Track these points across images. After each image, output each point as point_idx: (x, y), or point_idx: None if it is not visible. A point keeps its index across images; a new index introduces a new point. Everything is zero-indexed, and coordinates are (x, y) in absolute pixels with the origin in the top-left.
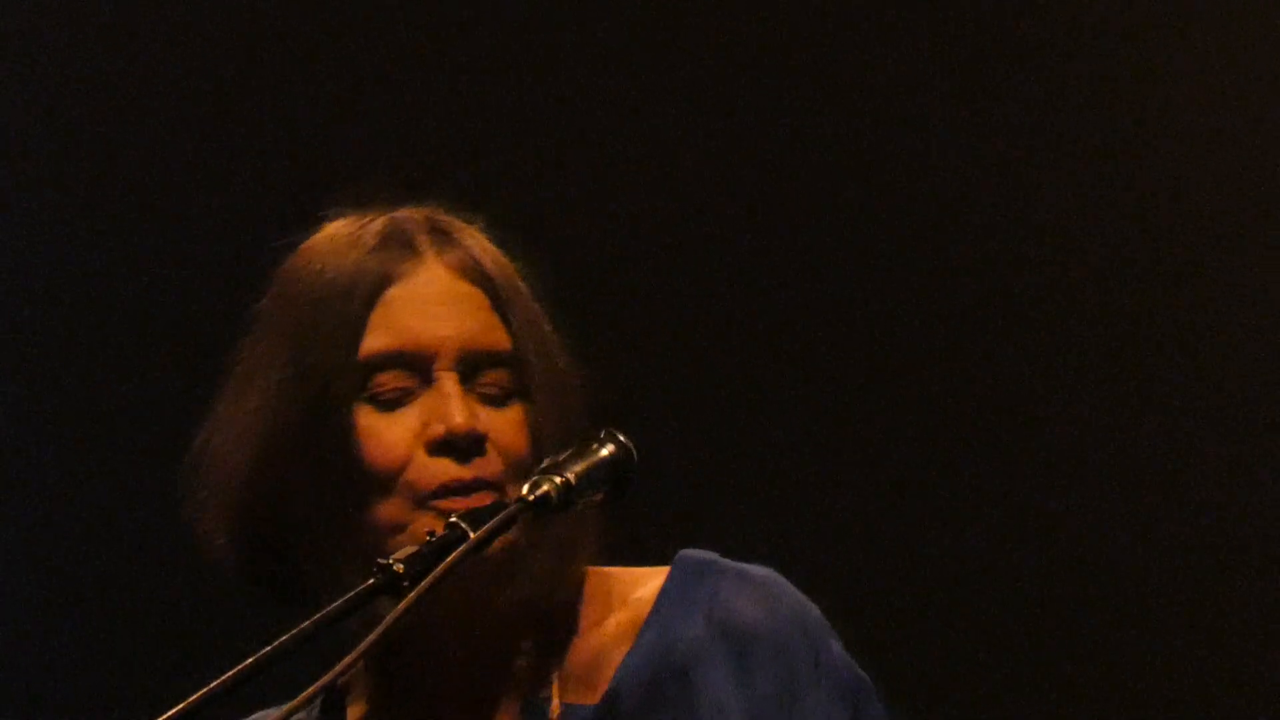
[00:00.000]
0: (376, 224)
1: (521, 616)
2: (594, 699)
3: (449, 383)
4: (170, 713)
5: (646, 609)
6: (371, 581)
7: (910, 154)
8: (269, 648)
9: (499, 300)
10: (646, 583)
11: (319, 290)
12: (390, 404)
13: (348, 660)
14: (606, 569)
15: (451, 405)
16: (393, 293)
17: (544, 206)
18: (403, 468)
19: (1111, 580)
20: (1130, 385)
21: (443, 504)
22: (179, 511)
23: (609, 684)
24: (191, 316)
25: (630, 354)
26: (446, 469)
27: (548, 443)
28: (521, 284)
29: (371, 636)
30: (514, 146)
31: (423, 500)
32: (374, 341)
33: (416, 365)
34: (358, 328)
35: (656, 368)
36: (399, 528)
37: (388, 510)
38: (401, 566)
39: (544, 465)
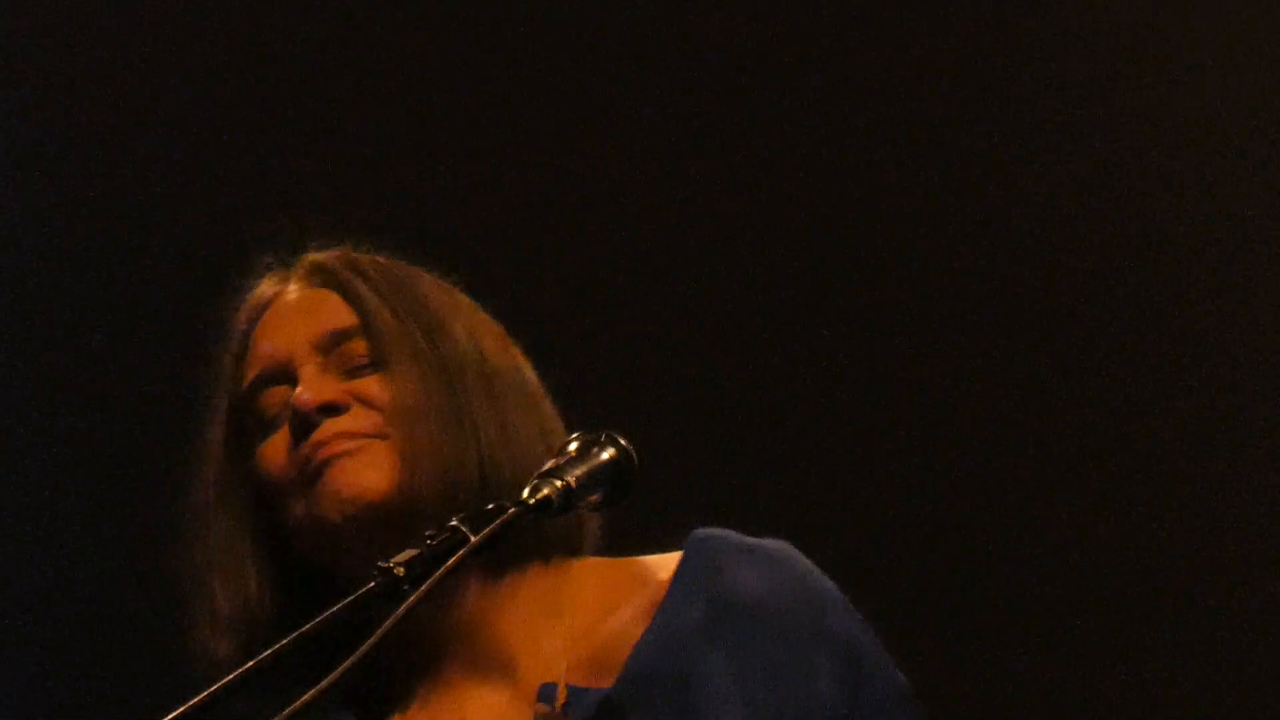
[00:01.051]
0: (275, 275)
1: (534, 602)
2: (608, 682)
3: (306, 370)
4: (173, 714)
5: (662, 592)
6: (371, 585)
7: (932, 146)
8: (269, 650)
9: (343, 287)
10: (665, 566)
11: (220, 365)
12: (269, 427)
13: (348, 663)
14: (629, 558)
15: (298, 388)
16: (258, 328)
17: (552, 204)
18: (286, 469)
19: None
20: (1168, 378)
21: (310, 468)
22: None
23: (622, 668)
24: (192, 317)
25: (643, 350)
26: (296, 425)
27: (411, 404)
28: (377, 269)
29: (372, 640)
30: (511, 149)
31: (310, 478)
32: (245, 377)
33: (283, 377)
34: (238, 373)
35: (668, 363)
36: (303, 514)
37: (292, 512)
38: (402, 569)
39: (545, 469)
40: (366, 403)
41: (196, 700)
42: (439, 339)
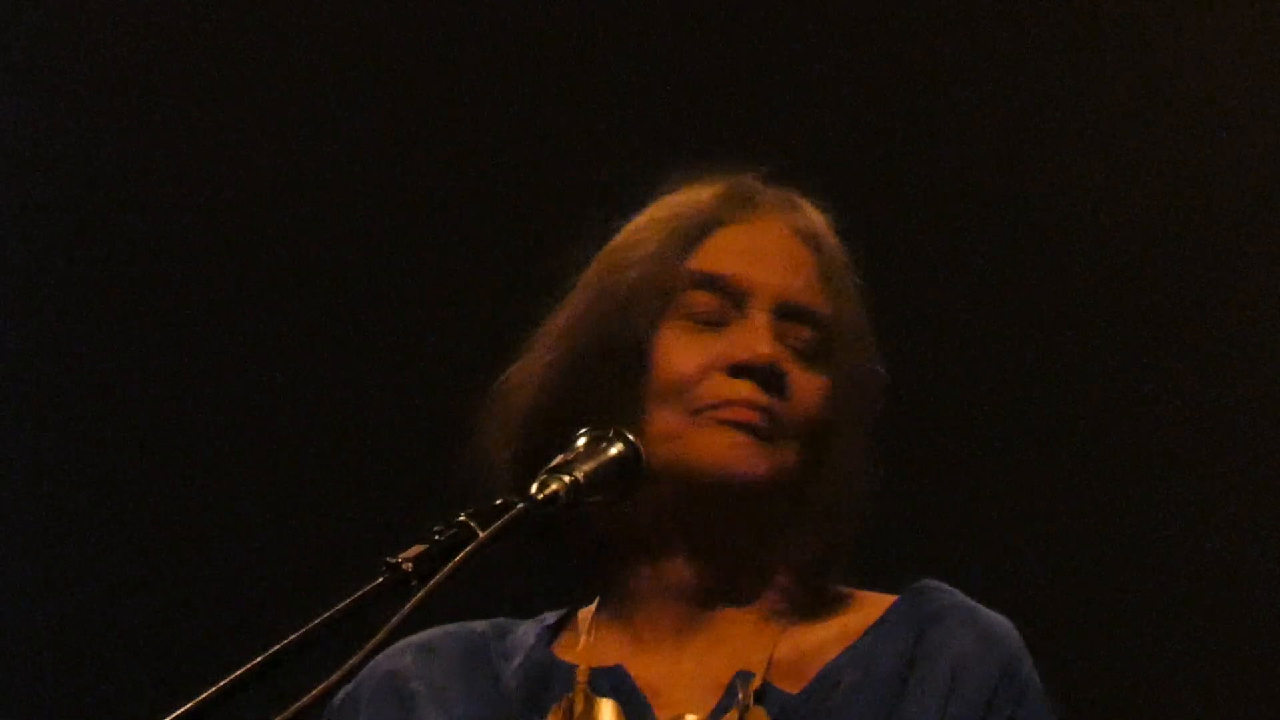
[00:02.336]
0: (716, 183)
1: (765, 600)
2: (795, 689)
3: (761, 317)
4: (179, 711)
5: (871, 620)
6: (379, 580)
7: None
8: (277, 645)
9: (827, 270)
10: (881, 603)
11: (645, 227)
12: (700, 323)
13: (353, 660)
14: (850, 588)
15: (760, 336)
16: (727, 230)
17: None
18: (693, 383)
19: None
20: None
21: (721, 414)
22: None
23: (813, 678)
24: (195, 317)
25: None
26: (741, 388)
27: (842, 422)
28: (848, 266)
29: (379, 636)
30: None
31: (699, 410)
32: (699, 262)
33: (734, 296)
34: (685, 248)
35: None
36: (672, 437)
37: (663, 420)
38: (410, 565)
39: (553, 464)
40: (800, 402)
41: (205, 698)
42: (862, 358)
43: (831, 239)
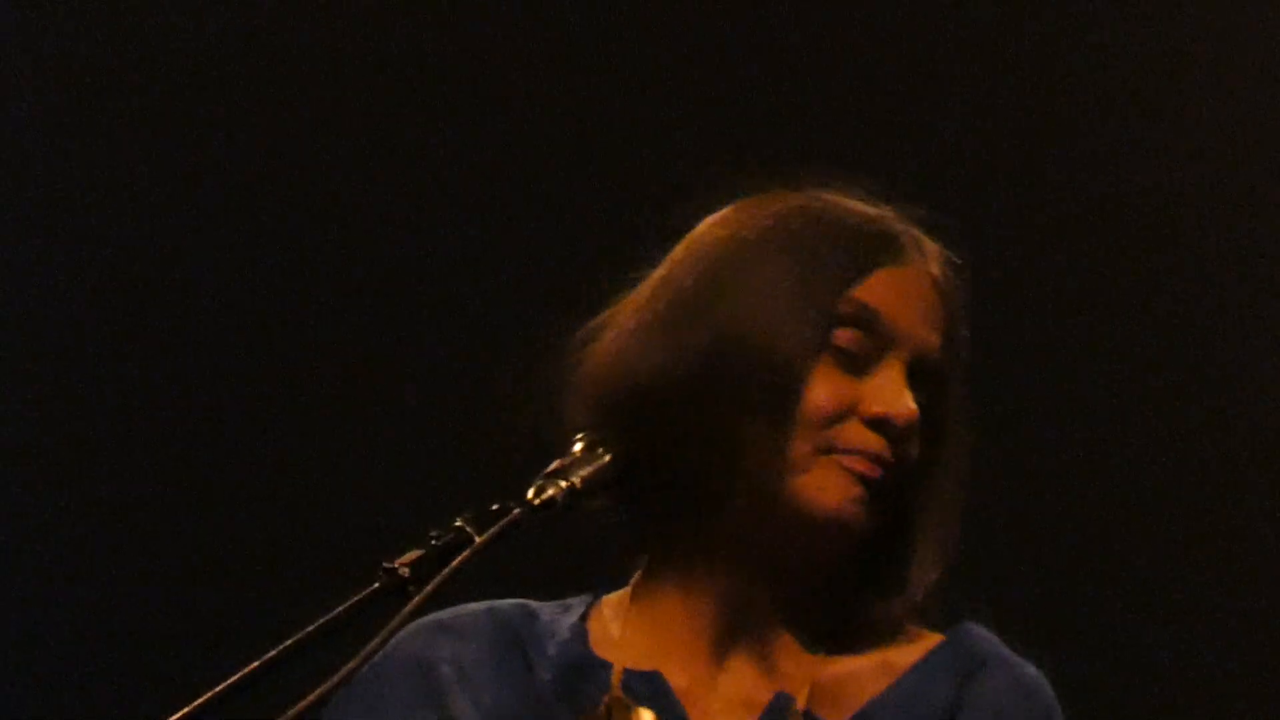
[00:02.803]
0: (862, 207)
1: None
2: (836, 718)
3: (899, 370)
4: (176, 716)
5: (913, 658)
6: (376, 585)
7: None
8: (273, 651)
9: (951, 329)
10: (924, 641)
11: (776, 243)
12: (849, 362)
13: (352, 664)
14: None
15: (904, 393)
16: (885, 273)
17: None
18: (830, 423)
19: None
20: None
21: (848, 461)
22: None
23: (856, 710)
24: (197, 317)
25: None
26: (874, 441)
27: (935, 478)
28: (965, 328)
29: (375, 641)
30: None
31: (829, 450)
32: (865, 294)
33: (881, 340)
34: (849, 279)
35: None
36: (798, 467)
37: (793, 448)
38: (407, 570)
39: (549, 469)
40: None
41: (202, 702)
42: (959, 420)
43: (957, 290)
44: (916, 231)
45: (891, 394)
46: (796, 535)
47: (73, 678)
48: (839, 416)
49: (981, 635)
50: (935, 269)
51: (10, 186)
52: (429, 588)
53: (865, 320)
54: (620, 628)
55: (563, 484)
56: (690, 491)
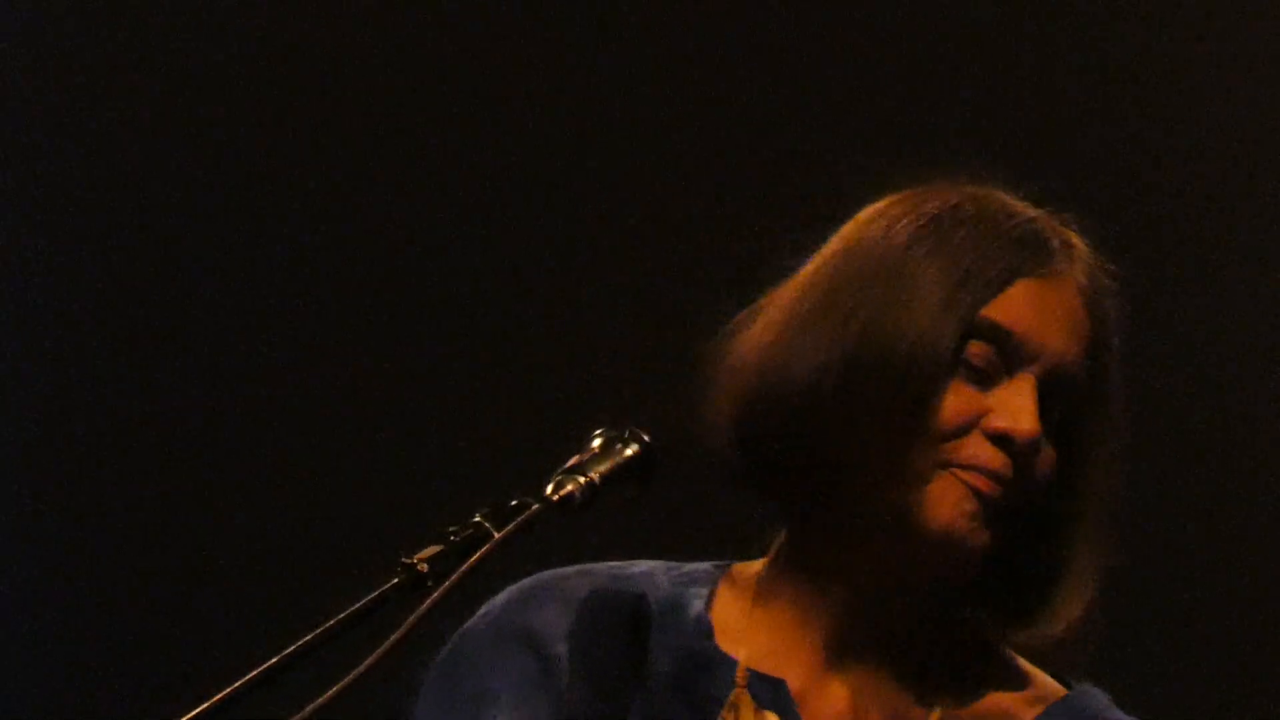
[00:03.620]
0: (1014, 217)
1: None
2: None
3: (1027, 386)
4: (194, 711)
5: (1032, 714)
6: (395, 581)
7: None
8: (292, 646)
9: (1098, 339)
10: (1047, 693)
11: (927, 251)
12: (978, 375)
13: (369, 661)
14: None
15: (1028, 410)
16: (1024, 284)
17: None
18: (952, 436)
19: None
20: None
21: (967, 476)
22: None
23: None
24: (217, 310)
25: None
26: (995, 456)
27: (1069, 500)
28: (1116, 337)
29: (394, 637)
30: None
31: (948, 464)
32: (996, 311)
33: (1012, 355)
34: (984, 294)
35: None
36: (918, 478)
37: (915, 459)
38: (425, 565)
39: (568, 465)
40: (1038, 474)
41: (219, 699)
42: (1108, 436)
43: (1108, 297)
44: (1070, 235)
45: (1016, 409)
46: (913, 549)
47: (90, 674)
48: (962, 430)
49: (1100, 698)
50: (1083, 277)
51: (11, 187)
52: (448, 583)
53: (998, 336)
54: (744, 618)
55: (581, 480)
56: (814, 495)
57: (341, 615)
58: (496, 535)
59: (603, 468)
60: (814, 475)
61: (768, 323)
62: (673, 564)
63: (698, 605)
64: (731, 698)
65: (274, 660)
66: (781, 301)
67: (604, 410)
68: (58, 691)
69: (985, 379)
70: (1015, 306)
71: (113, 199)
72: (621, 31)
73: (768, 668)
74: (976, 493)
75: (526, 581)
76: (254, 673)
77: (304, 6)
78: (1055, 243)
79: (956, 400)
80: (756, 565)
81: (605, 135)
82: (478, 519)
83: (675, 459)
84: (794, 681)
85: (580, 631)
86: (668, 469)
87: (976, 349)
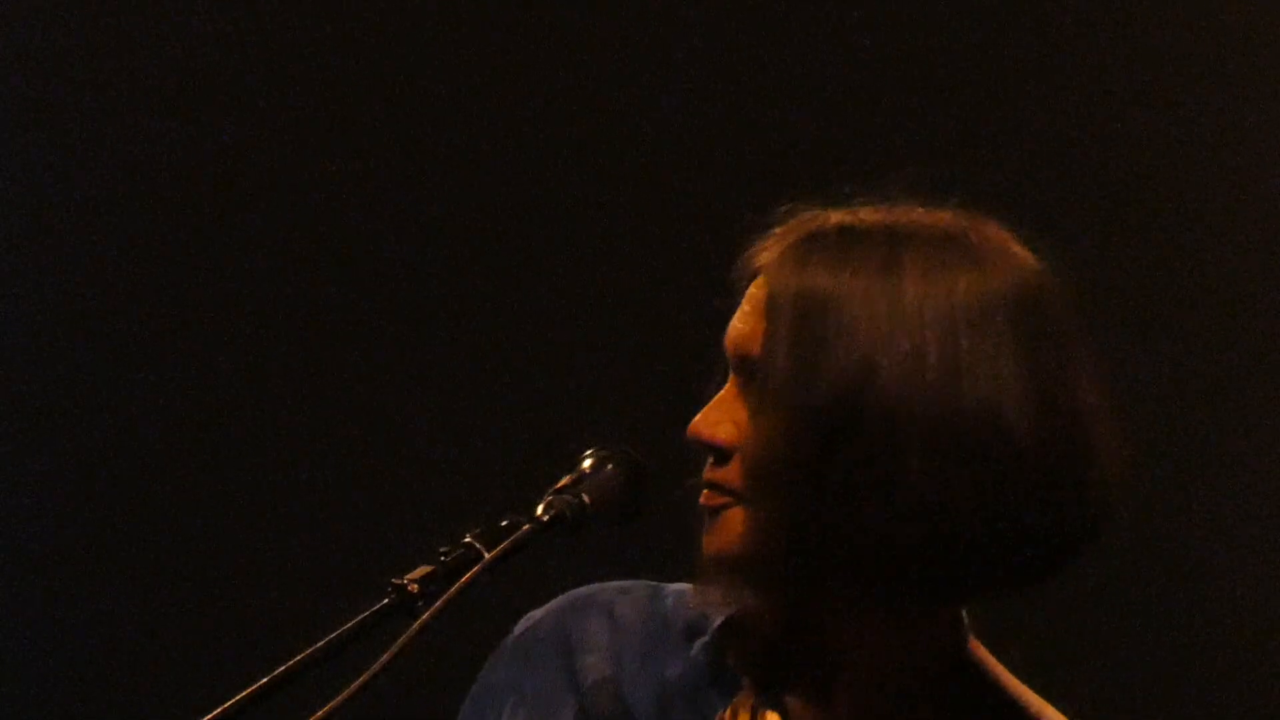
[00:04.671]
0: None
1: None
2: None
3: (727, 386)
4: None
5: None
6: (385, 601)
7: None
8: (283, 667)
9: (771, 303)
10: (1045, 711)
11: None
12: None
13: (363, 679)
14: (1024, 688)
15: (702, 412)
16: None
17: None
18: None
19: None
20: None
21: (699, 498)
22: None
23: None
24: (211, 330)
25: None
26: (705, 467)
27: (778, 460)
28: (820, 300)
29: (385, 658)
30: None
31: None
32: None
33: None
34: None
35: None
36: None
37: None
38: (416, 586)
39: (558, 486)
40: (745, 457)
41: (211, 716)
42: (794, 389)
43: (799, 274)
44: (798, 229)
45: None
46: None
47: (79, 696)
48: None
49: None
50: (771, 257)
51: (11, 187)
52: (438, 604)
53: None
54: (753, 638)
55: (572, 500)
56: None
57: (333, 635)
58: (487, 556)
59: (593, 488)
60: None
61: None
62: None
63: (718, 620)
64: (735, 702)
65: (265, 680)
66: None
67: (595, 431)
68: (50, 709)
69: None
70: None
71: (113, 200)
72: (620, 40)
73: (773, 685)
74: (705, 509)
75: (570, 592)
76: (245, 693)
77: (303, 7)
78: (764, 241)
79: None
80: None
81: (597, 150)
82: (468, 539)
83: (666, 480)
84: (794, 703)
85: (616, 643)
86: (658, 490)
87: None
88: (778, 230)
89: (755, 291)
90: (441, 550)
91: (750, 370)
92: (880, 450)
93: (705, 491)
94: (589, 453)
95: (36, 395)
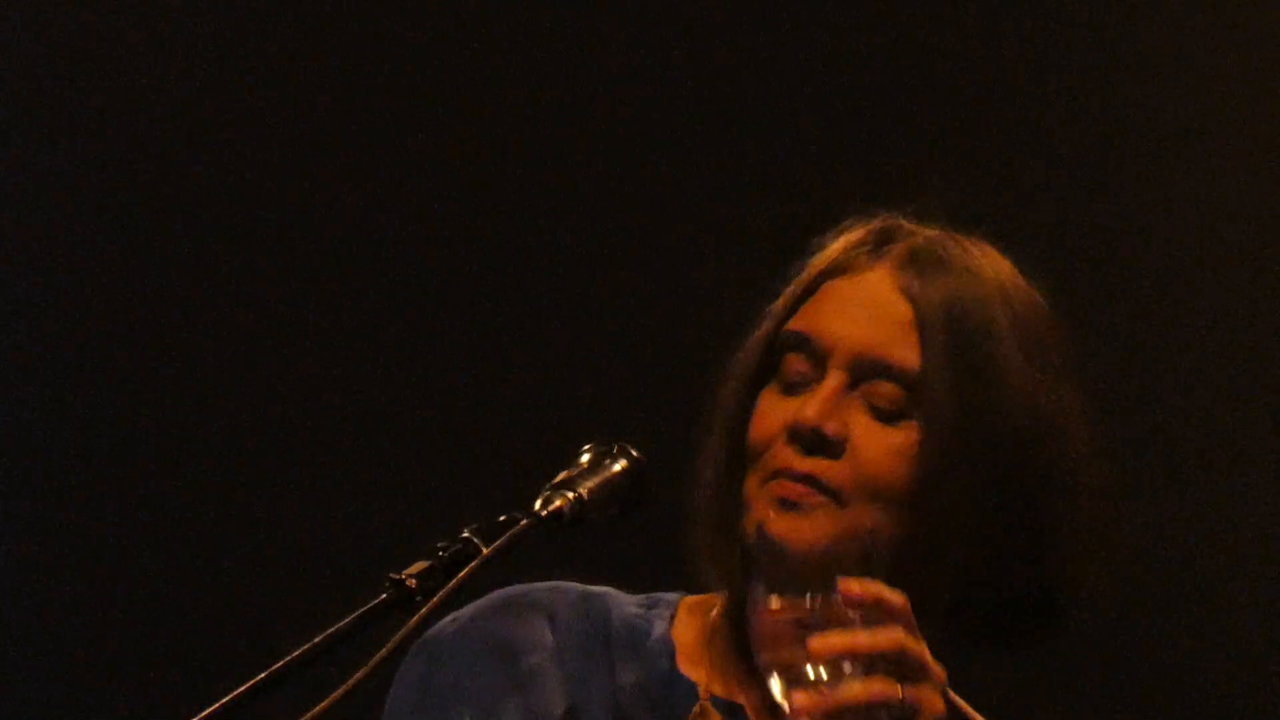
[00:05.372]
0: (878, 224)
1: None
2: None
3: (831, 379)
4: None
5: None
6: (383, 596)
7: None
8: (280, 662)
9: (922, 319)
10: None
11: (795, 270)
12: (788, 387)
13: (360, 674)
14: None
15: (815, 399)
16: (833, 284)
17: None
18: (764, 450)
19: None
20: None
21: (770, 486)
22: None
23: None
24: (194, 321)
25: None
26: (790, 455)
27: (929, 476)
28: (985, 318)
29: (382, 652)
30: None
31: (764, 480)
32: (794, 322)
33: (817, 356)
34: (794, 307)
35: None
36: (746, 505)
37: (747, 487)
38: (414, 581)
39: (556, 480)
40: (860, 461)
41: (209, 713)
42: (963, 414)
43: (948, 287)
44: (895, 229)
45: (805, 403)
46: (786, 573)
47: (82, 690)
48: (770, 441)
49: None
50: (896, 265)
51: (11, 187)
52: (436, 599)
53: (799, 341)
54: (702, 644)
55: (570, 495)
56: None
57: (330, 630)
58: (485, 551)
59: (591, 483)
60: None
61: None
62: (627, 593)
63: (661, 627)
64: (696, 708)
65: (262, 675)
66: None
67: (593, 425)
68: (47, 706)
69: (798, 387)
70: (817, 310)
71: (111, 201)
72: (621, 40)
73: (724, 693)
74: (782, 500)
75: (498, 593)
76: (242, 688)
77: (301, 7)
78: (871, 241)
79: (762, 413)
80: (711, 595)
81: (598, 149)
82: (466, 534)
83: (665, 475)
84: (750, 708)
85: (555, 640)
86: (657, 485)
87: (789, 360)
88: (856, 232)
89: (894, 301)
90: (439, 545)
91: (889, 379)
92: (1026, 499)
93: (798, 486)
94: (587, 447)
95: (37, 394)
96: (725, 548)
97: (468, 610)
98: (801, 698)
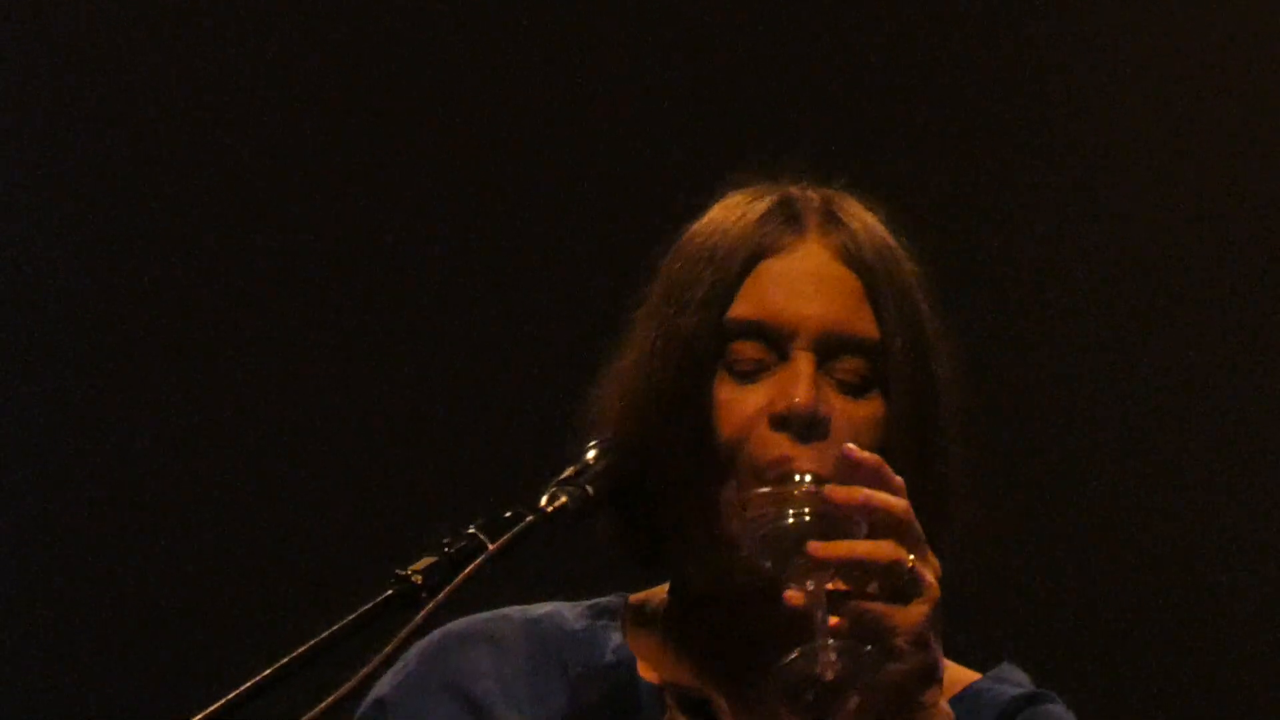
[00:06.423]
0: (771, 197)
1: None
2: None
3: (802, 361)
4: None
5: (955, 690)
6: (388, 593)
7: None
8: (286, 658)
9: (874, 289)
10: (957, 674)
11: (701, 252)
12: (744, 375)
13: (365, 671)
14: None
15: (798, 382)
16: (767, 264)
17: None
18: (741, 443)
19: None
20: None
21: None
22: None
23: None
24: (197, 317)
25: None
26: (781, 445)
27: (900, 442)
28: (907, 277)
29: (388, 649)
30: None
31: (760, 475)
32: (739, 309)
33: (774, 340)
34: (728, 294)
35: None
36: (713, 495)
37: (726, 490)
38: (419, 577)
39: (562, 476)
40: (846, 439)
41: (214, 710)
42: (923, 372)
43: (880, 251)
44: (816, 198)
45: (787, 386)
46: (741, 559)
47: (86, 687)
48: (745, 432)
49: (1013, 672)
50: (834, 238)
51: (12, 187)
52: (441, 595)
53: (752, 329)
54: (659, 646)
55: (575, 491)
56: (667, 529)
57: (336, 626)
58: (491, 546)
59: (598, 479)
60: (645, 514)
61: (610, 371)
62: (571, 603)
63: (615, 637)
64: (666, 718)
65: (269, 671)
66: (623, 344)
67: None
68: (52, 704)
69: (755, 374)
70: (760, 292)
71: (111, 203)
72: (621, 40)
73: (692, 687)
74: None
75: (436, 633)
76: (248, 684)
77: (300, 7)
78: (797, 211)
79: (728, 405)
80: (660, 593)
81: (598, 149)
82: (472, 530)
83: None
84: (718, 700)
85: (503, 666)
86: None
87: (739, 349)
88: (810, 205)
89: (841, 273)
90: (445, 541)
91: (856, 353)
92: (950, 434)
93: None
94: (592, 444)
95: (37, 394)
96: (704, 543)
97: (412, 653)
98: (817, 547)
